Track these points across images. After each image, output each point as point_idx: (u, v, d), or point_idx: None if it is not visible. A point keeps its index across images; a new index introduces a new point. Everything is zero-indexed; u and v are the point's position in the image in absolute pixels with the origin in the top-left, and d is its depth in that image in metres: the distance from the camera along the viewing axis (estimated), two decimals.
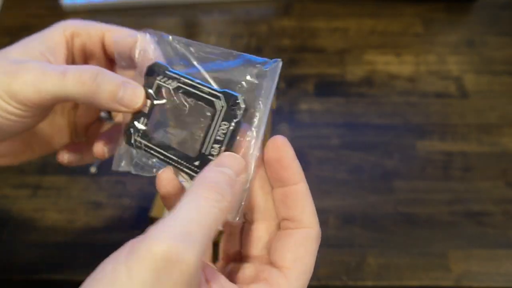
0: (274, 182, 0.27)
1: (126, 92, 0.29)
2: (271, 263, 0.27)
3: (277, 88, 0.27)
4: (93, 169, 0.63)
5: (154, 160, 0.30)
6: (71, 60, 0.34)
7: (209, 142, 0.27)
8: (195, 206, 0.22)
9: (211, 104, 0.27)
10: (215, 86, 0.28)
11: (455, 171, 0.62)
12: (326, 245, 0.55)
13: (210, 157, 0.27)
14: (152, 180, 0.29)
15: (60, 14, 0.85)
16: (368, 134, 0.67)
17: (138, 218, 0.58)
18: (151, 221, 0.54)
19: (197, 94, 0.28)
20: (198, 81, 0.28)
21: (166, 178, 0.28)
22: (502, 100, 0.71)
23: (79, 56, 0.34)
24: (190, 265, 0.20)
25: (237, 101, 0.26)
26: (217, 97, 0.27)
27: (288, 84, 0.74)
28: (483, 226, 0.57)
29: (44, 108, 0.30)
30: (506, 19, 0.85)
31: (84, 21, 0.34)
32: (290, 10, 0.88)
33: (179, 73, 0.29)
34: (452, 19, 0.85)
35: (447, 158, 0.64)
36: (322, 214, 0.58)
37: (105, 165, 0.64)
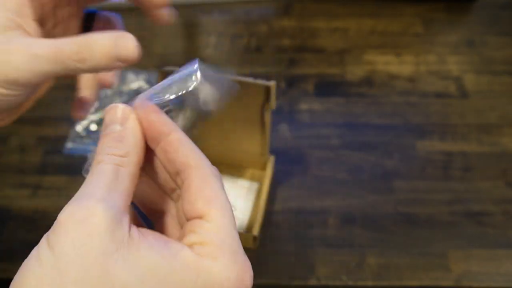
0: (153, 145, 0.26)
1: (120, 47, 0.28)
2: (194, 219, 0.25)
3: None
4: None
5: None
6: (40, 10, 0.32)
7: None
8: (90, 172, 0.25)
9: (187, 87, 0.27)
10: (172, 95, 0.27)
11: (455, 171, 0.62)
12: (326, 245, 0.55)
13: None
14: None
15: None
16: (368, 134, 0.67)
17: None
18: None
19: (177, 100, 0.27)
20: (163, 98, 0.27)
21: None
22: (502, 100, 0.71)
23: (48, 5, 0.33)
24: (96, 217, 0.21)
25: (194, 75, 0.26)
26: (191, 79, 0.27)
27: (288, 84, 0.74)
28: (483, 226, 0.57)
29: (39, 84, 0.30)
30: (506, 19, 0.85)
31: None
32: (290, 10, 0.88)
33: (158, 99, 0.28)
34: (452, 19, 0.85)
35: (447, 158, 0.64)
36: (322, 214, 0.58)
37: None
